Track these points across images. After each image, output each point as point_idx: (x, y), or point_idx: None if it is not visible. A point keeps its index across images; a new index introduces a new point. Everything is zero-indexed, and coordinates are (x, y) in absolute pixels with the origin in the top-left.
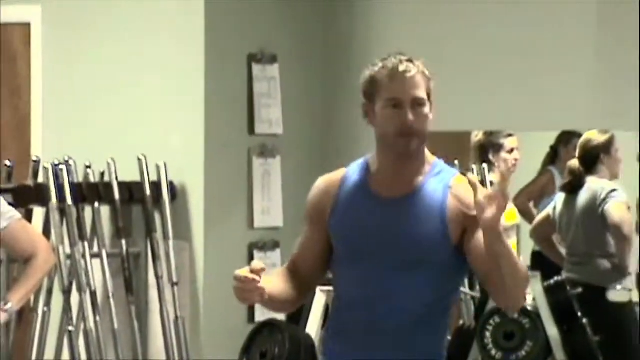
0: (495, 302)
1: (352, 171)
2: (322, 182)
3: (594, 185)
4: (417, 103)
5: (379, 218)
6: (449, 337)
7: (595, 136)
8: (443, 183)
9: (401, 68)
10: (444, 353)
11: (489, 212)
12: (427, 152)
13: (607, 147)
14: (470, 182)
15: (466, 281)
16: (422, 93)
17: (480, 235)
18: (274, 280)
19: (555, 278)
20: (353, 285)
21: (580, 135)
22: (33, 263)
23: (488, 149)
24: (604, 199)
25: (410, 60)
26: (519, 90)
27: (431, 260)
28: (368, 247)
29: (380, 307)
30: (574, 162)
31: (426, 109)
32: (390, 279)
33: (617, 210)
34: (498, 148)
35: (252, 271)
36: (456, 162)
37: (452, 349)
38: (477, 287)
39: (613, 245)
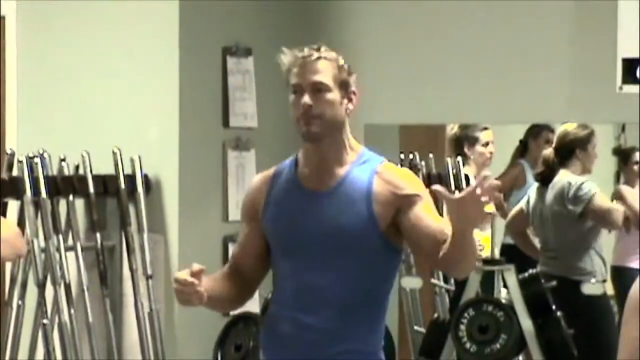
0: (447, 273)
1: (283, 167)
2: (256, 179)
3: (564, 178)
4: (317, 88)
5: (306, 211)
6: (423, 330)
7: (574, 130)
8: (369, 170)
9: (302, 54)
10: (377, 349)
11: (475, 209)
12: (352, 141)
13: (584, 142)
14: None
15: (440, 274)
16: (323, 78)
17: (418, 211)
18: (216, 280)
19: (530, 271)
20: (284, 279)
21: (550, 129)
22: None
23: (463, 142)
24: (574, 193)
25: (319, 49)
26: (493, 84)
27: (356, 248)
28: (296, 240)
29: (307, 300)
30: (549, 153)
31: (330, 95)
32: (317, 270)
33: (603, 200)
34: (473, 141)
35: (192, 274)
36: (430, 155)
37: (426, 342)
38: (452, 280)
39: (586, 239)
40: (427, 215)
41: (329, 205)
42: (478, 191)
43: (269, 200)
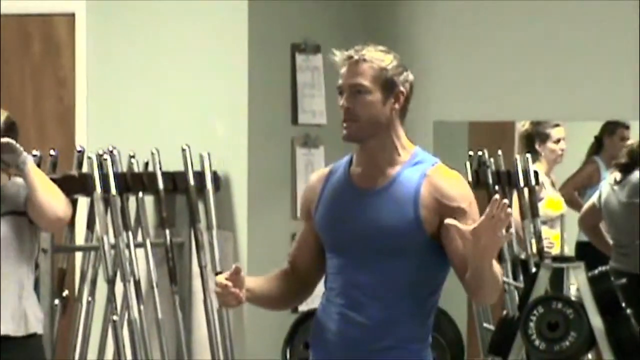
0: (468, 296)
1: (339, 165)
2: (312, 177)
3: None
4: (356, 90)
5: (356, 209)
6: (492, 327)
7: None
8: (420, 171)
9: (344, 56)
10: (423, 347)
11: (491, 238)
12: (404, 141)
13: None
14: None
15: (509, 271)
16: (362, 80)
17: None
18: (270, 280)
19: (599, 268)
20: (334, 276)
21: (625, 126)
22: None
23: (535, 138)
24: None
25: (362, 50)
26: (564, 80)
27: (401, 249)
28: (345, 237)
29: (354, 297)
30: (635, 145)
31: (369, 97)
32: (364, 268)
33: None
34: (545, 138)
35: (229, 275)
36: (499, 152)
37: (495, 339)
38: (521, 277)
39: None
40: None
41: (378, 204)
42: (493, 218)
43: (321, 198)
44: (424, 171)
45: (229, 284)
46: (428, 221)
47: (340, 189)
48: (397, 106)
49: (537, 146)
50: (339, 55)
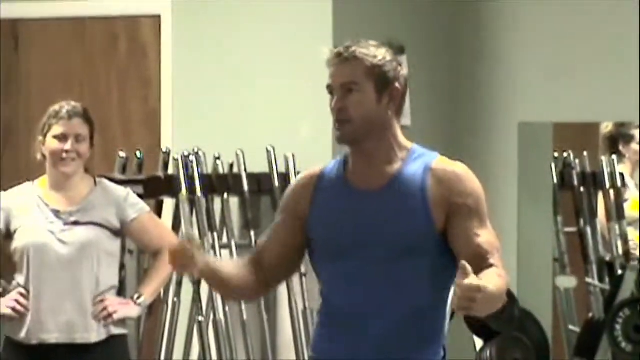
0: None
1: (330, 167)
2: (301, 176)
3: None
4: (347, 89)
5: (357, 211)
6: (578, 330)
7: None
8: (422, 165)
9: (333, 54)
10: (439, 353)
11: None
12: (401, 139)
13: None
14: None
15: (595, 273)
16: (352, 78)
17: (464, 228)
18: (229, 265)
19: None
20: (335, 284)
21: None
22: (163, 257)
23: (619, 139)
24: None
25: (351, 47)
26: None
27: (414, 249)
28: (348, 242)
29: (364, 306)
30: None
31: (361, 95)
32: (370, 274)
33: None
34: (629, 139)
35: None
36: (584, 153)
37: (581, 341)
38: (607, 280)
39: None
40: (468, 232)
41: (382, 204)
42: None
43: (315, 200)
44: (426, 164)
45: (188, 247)
46: (438, 218)
47: (338, 192)
48: (392, 104)
49: (620, 147)
50: (328, 53)
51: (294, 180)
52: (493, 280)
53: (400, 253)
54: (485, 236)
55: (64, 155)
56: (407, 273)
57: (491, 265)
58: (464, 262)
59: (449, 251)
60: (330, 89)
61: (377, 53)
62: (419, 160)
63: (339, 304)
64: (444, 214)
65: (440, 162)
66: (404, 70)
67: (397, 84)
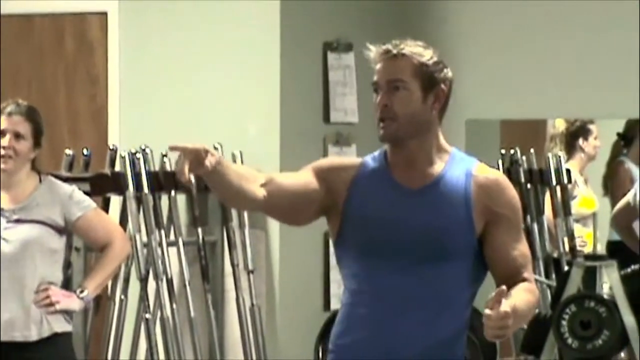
0: None
1: (370, 160)
2: (346, 158)
3: None
4: (394, 86)
5: (403, 209)
6: (524, 326)
7: None
8: (464, 170)
9: (380, 52)
10: (458, 357)
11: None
12: (442, 141)
13: None
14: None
15: (542, 269)
16: (401, 75)
17: (502, 240)
18: (240, 171)
19: (632, 267)
20: (365, 279)
21: None
22: (108, 252)
23: (579, 135)
24: None
25: (400, 45)
26: (595, 78)
27: (454, 250)
28: (387, 238)
29: (387, 303)
30: None
31: (407, 94)
32: (401, 271)
33: None
34: (588, 134)
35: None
36: (531, 150)
37: (528, 338)
38: (553, 276)
39: None
40: (506, 245)
41: (425, 204)
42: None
43: (356, 189)
44: (468, 170)
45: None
46: (477, 224)
47: (381, 185)
48: (437, 105)
49: (581, 142)
50: (374, 51)
51: (336, 157)
52: (524, 297)
53: (441, 253)
54: (520, 249)
55: (2, 152)
56: (446, 273)
57: (524, 280)
58: (503, 288)
59: (482, 257)
60: (376, 85)
61: (425, 53)
62: (460, 164)
63: (364, 301)
64: (483, 222)
65: (481, 168)
66: (450, 73)
67: (442, 86)
